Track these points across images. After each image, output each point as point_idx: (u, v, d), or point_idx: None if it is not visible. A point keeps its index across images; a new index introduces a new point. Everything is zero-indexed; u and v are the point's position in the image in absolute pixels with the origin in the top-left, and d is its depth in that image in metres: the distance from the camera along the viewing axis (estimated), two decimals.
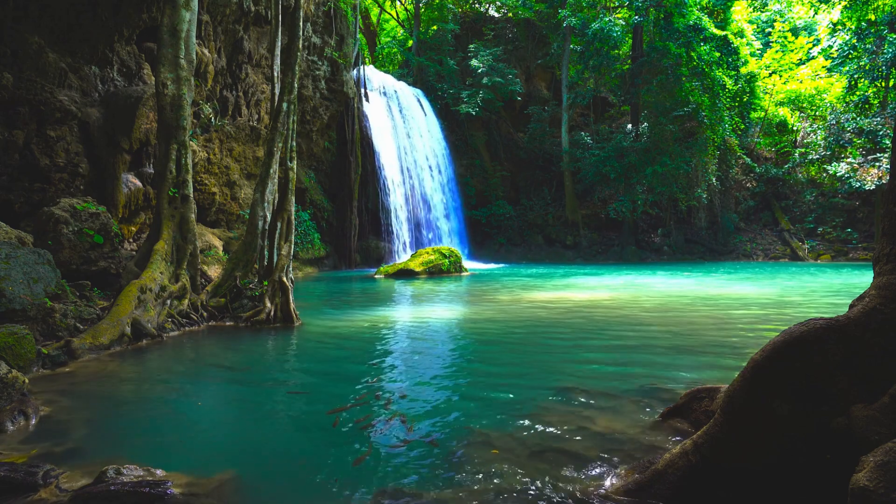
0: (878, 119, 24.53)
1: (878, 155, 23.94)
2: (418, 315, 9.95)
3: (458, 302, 12.03)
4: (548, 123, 30.81)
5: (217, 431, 4.07)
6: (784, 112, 32.43)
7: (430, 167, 26.95)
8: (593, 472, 3.14)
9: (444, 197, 27.38)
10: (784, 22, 35.68)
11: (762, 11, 36.50)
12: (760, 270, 21.02)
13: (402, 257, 22.66)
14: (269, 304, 8.48)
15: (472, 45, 30.86)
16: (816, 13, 31.27)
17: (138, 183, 12.15)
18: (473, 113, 28.46)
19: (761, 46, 33.18)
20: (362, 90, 25.14)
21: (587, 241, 29.26)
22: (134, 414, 4.34)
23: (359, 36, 26.95)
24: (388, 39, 39.51)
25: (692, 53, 25.29)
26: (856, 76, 25.72)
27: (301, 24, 9.93)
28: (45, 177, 10.53)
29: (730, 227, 29.63)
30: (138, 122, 11.70)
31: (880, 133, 23.97)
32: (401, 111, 26.92)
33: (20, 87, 10.09)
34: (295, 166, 9.83)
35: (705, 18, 25.75)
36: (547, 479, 3.06)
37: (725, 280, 16.77)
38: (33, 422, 4.01)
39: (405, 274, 18.20)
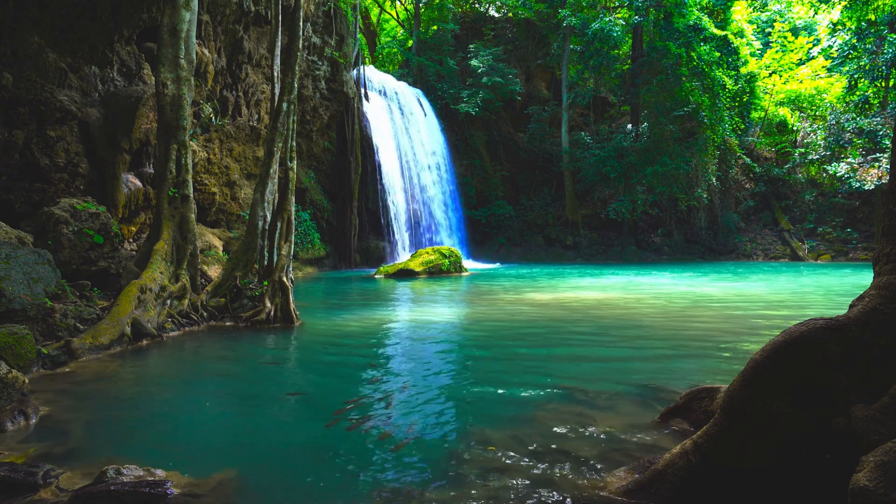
0: (878, 119, 24.50)
1: (878, 155, 23.92)
2: (418, 315, 9.95)
3: (458, 302, 12.03)
4: (548, 123, 30.79)
5: (216, 431, 4.07)
6: (784, 112, 32.42)
7: (429, 167, 26.94)
8: (593, 472, 3.14)
9: (444, 197, 27.37)
10: (784, 22, 35.65)
11: (762, 11, 36.47)
12: (760, 270, 21.01)
13: (402, 257, 22.64)
14: (269, 304, 8.48)
15: (472, 45, 30.84)
16: (816, 13, 31.24)
17: (138, 183, 12.14)
18: (473, 113, 28.45)
19: (761, 46, 33.14)
20: (362, 90, 25.12)
21: (587, 241, 29.24)
22: (134, 414, 4.34)
23: (359, 36, 26.93)
24: (388, 39, 39.49)
25: (692, 53, 25.28)
26: (856, 76, 25.71)
27: (301, 24, 9.92)
28: (45, 177, 10.53)
29: (730, 226, 29.63)
30: (138, 122, 11.69)
31: (880, 133, 23.95)
32: (401, 111, 26.90)
33: (20, 87, 10.08)
34: (295, 166, 9.83)
35: (705, 18, 25.74)
36: (546, 478, 3.06)
37: (725, 280, 16.76)
38: (33, 422, 4.01)
39: (405, 274, 18.20)
